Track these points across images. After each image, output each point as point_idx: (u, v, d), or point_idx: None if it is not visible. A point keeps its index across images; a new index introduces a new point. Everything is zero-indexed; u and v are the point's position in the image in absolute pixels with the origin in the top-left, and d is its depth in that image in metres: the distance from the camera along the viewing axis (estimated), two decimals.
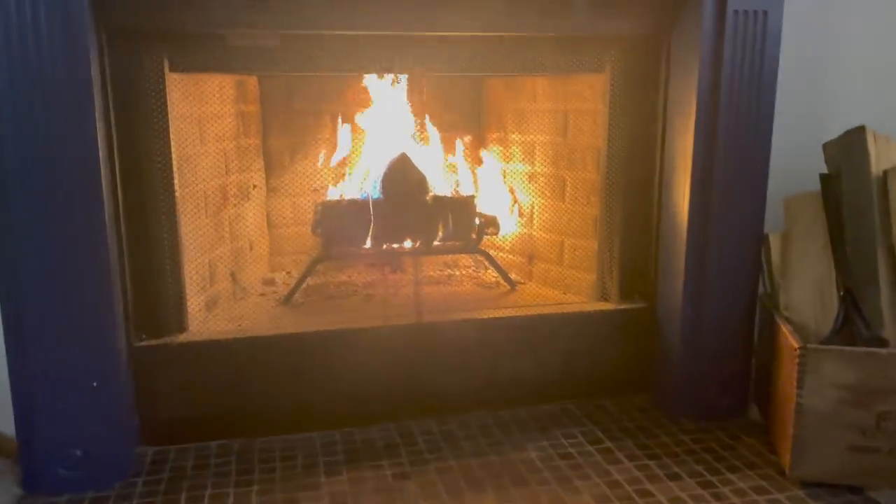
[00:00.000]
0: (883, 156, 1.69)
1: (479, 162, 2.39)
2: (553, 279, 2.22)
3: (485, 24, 1.71)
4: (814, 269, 1.75)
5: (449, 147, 2.29)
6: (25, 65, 1.38)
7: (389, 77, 2.01)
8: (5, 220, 1.43)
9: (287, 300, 2.07)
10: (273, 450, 1.72)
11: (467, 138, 2.34)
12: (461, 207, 2.17)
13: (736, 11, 1.67)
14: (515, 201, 2.34)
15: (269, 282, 2.25)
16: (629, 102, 1.90)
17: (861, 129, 1.68)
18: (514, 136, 2.33)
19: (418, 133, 2.09)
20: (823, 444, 1.54)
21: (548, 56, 1.85)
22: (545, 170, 2.23)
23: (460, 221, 2.15)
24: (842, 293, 1.69)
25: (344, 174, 2.18)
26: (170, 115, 1.64)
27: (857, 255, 1.68)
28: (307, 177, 2.24)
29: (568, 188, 2.15)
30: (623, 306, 1.99)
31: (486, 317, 1.93)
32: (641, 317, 1.97)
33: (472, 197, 2.21)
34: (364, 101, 2.11)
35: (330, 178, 2.18)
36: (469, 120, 2.44)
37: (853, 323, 1.64)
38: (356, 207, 2.09)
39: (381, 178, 2.08)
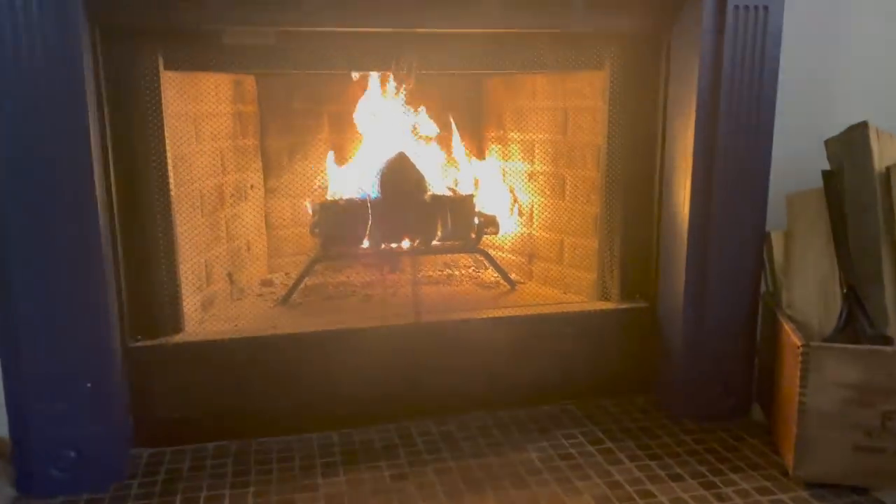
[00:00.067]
0: (886, 152, 1.67)
1: (479, 161, 2.37)
2: (553, 278, 2.20)
3: (484, 21, 1.70)
4: (816, 266, 1.73)
5: (448, 146, 2.27)
6: (18, 63, 1.37)
7: (388, 75, 2.00)
8: None
9: (285, 300, 2.06)
10: (270, 451, 1.70)
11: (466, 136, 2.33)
12: (460, 207, 2.15)
13: (736, 7, 1.65)
14: (515, 200, 2.33)
15: (267, 282, 2.24)
16: (629, 99, 1.88)
17: (863, 125, 1.67)
18: (513, 134, 2.31)
19: (416, 132, 2.08)
20: (827, 445, 1.52)
21: (547, 53, 1.84)
22: (545, 168, 2.21)
23: (459, 221, 2.14)
24: (845, 291, 1.66)
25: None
26: (164, 114, 1.63)
27: (861, 252, 1.66)
28: (306, 178, 2.23)
29: (568, 186, 2.13)
30: (624, 306, 1.97)
31: (485, 317, 1.91)
32: (642, 316, 1.95)
33: (471, 196, 2.19)
34: (362, 99, 2.09)
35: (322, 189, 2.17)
36: (469, 119, 2.42)
37: (857, 321, 1.62)
38: (354, 207, 2.07)
39: (379, 178, 2.07)
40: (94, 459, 1.55)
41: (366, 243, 2.09)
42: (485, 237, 2.21)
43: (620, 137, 1.90)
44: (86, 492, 1.53)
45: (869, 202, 1.65)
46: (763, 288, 1.83)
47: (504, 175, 2.35)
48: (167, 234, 1.68)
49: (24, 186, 1.41)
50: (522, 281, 2.28)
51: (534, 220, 2.28)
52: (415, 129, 2.11)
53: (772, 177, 1.76)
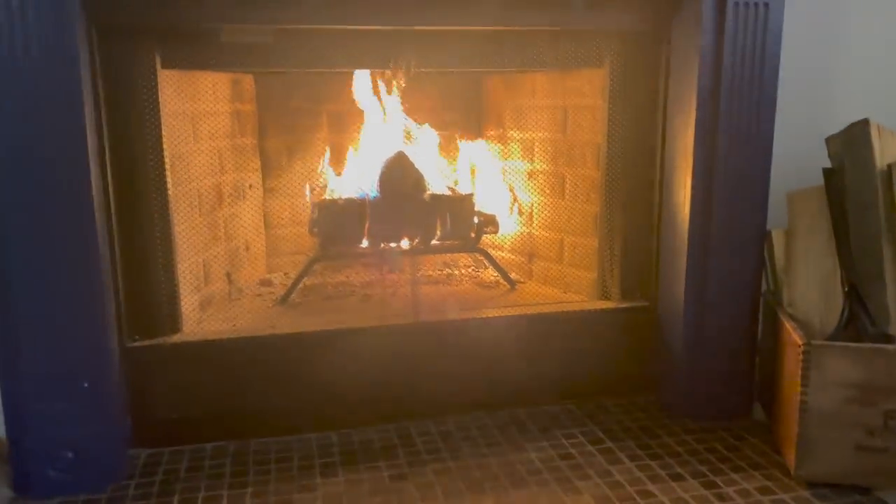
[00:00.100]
0: (887, 149, 1.66)
1: (478, 160, 2.36)
2: (553, 278, 2.20)
3: (483, 19, 1.69)
4: (818, 265, 1.72)
5: (447, 145, 2.26)
6: (14, 62, 1.36)
7: (387, 73, 1.99)
8: None
9: (283, 300, 2.05)
10: (268, 451, 1.70)
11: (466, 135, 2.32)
12: (459, 206, 2.14)
13: (736, 4, 1.64)
14: (515, 199, 2.32)
15: (266, 282, 2.23)
16: (629, 97, 1.87)
17: (865, 123, 1.65)
18: (513, 133, 2.30)
19: (414, 130, 2.08)
20: (829, 444, 1.51)
21: (546, 51, 1.83)
22: (544, 167, 2.20)
23: (459, 220, 2.12)
24: (846, 289, 1.65)
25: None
26: (162, 113, 1.62)
27: (862, 250, 1.65)
28: (305, 177, 2.22)
29: (568, 185, 2.13)
30: (624, 305, 1.96)
31: (485, 316, 1.90)
32: (643, 315, 1.94)
33: (471, 195, 2.18)
34: (360, 98, 2.08)
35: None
36: (468, 117, 2.41)
37: (858, 319, 1.61)
38: (353, 207, 2.07)
39: (378, 177, 2.06)
40: (92, 460, 1.54)
41: (365, 243, 2.08)
42: (484, 236, 2.20)
43: (620, 136, 1.89)
44: (83, 492, 1.53)
45: (870, 200, 1.64)
46: (764, 286, 1.82)
47: (504, 174, 2.34)
48: (165, 233, 1.67)
49: (20, 186, 1.41)
50: (522, 280, 2.27)
51: (533, 220, 2.27)
52: (410, 132, 2.11)
53: (772, 175, 1.75)
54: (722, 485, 1.55)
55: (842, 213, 1.69)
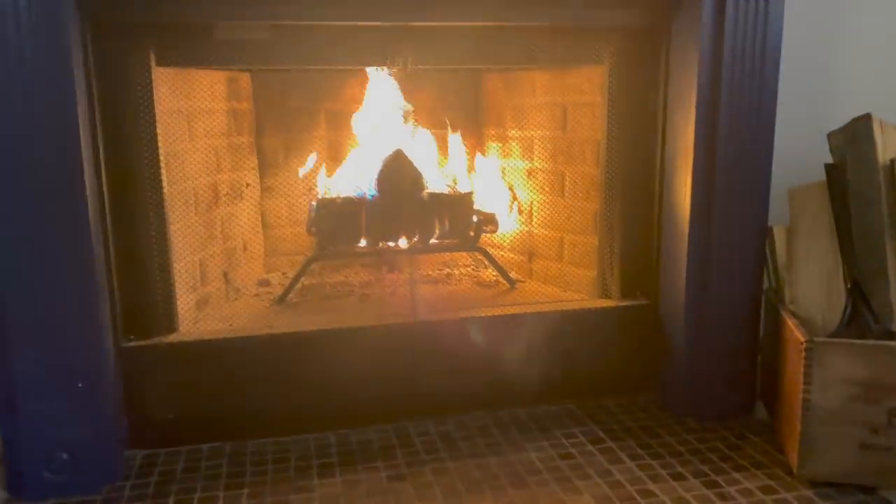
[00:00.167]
0: (890, 144, 1.64)
1: (478, 158, 2.35)
2: (553, 276, 2.18)
3: (482, 15, 1.67)
4: (820, 262, 1.71)
5: (446, 144, 2.25)
6: (5, 60, 1.35)
7: (385, 71, 1.98)
8: None
9: (281, 300, 2.03)
10: (266, 452, 1.68)
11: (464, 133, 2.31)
12: (459, 205, 2.13)
13: None
14: (514, 198, 2.30)
15: (264, 282, 2.22)
16: (628, 94, 1.86)
17: (867, 117, 1.64)
18: (512, 131, 2.29)
19: (413, 129, 2.06)
20: (833, 443, 1.49)
21: (545, 48, 1.81)
22: (544, 165, 2.19)
23: (458, 219, 2.11)
24: (849, 286, 1.64)
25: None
26: (157, 111, 1.61)
27: (865, 246, 1.63)
28: (303, 176, 2.21)
29: (567, 183, 2.11)
30: (624, 303, 1.94)
31: (484, 315, 1.88)
32: (643, 314, 1.92)
33: (470, 194, 2.17)
34: (358, 96, 2.07)
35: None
36: (467, 116, 2.40)
37: (861, 316, 1.59)
38: (351, 206, 2.05)
39: (376, 176, 2.05)
40: (87, 461, 1.52)
41: (363, 242, 2.07)
42: (484, 235, 2.19)
43: (620, 133, 1.88)
44: (78, 494, 1.51)
45: (873, 195, 1.62)
46: (765, 284, 1.80)
47: (503, 172, 2.33)
48: (160, 232, 1.66)
49: (13, 185, 1.39)
50: (522, 279, 2.25)
51: (533, 218, 2.26)
52: (411, 125, 2.09)
53: (774, 171, 1.73)
54: (724, 484, 1.53)
55: (844, 209, 1.67)
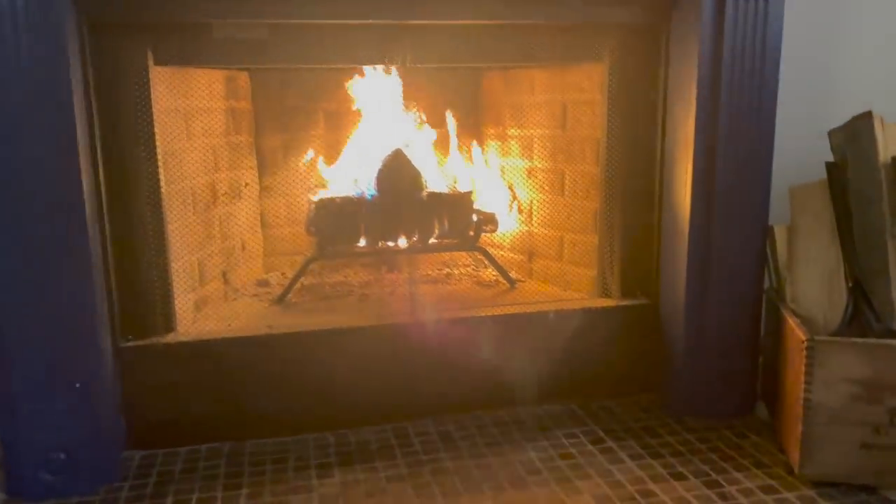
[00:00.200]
0: (891, 142, 1.63)
1: (477, 158, 2.34)
2: (553, 276, 2.17)
3: (480, 13, 1.67)
4: (821, 261, 1.70)
5: (446, 143, 2.24)
6: (2, 59, 1.34)
7: (383, 69, 1.97)
8: None
9: (280, 300, 2.03)
10: (264, 452, 1.67)
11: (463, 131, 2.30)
12: (458, 204, 2.12)
13: None
14: (514, 197, 2.30)
15: (263, 282, 2.21)
16: (628, 92, 1.85)
17: (868, 115, 1.63)
18: (512, 130, 2.28)
19: (413, 127, 2.06)
20: (834, 442, 1.48)
21: (544, 45, 1.81)
22: (544, 164, 2.18)
23: (457, 218, 2.11)
24: (850, 285, 1.63)
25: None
26: (154, 109, 1.60)
27: (866, 245, 1.62)
28: (302, 176, 2.20)
29: (567, 182, 2.10)
30: (624, 302, 1.93)
31: (484, 315, 1.88)
32: (644, 313, 1.92)
33: (470, 193, 2.16)
34: (357, 95, 2.06)
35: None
36: (467, 115, 2.39)
37: (863, 315, 1.58)
38: (351, 205, 2.05)
39: (375, 175, 2.04)
40: (85, 462, 1.51)
41: (362, 242, 2.06)
42: (483, 235, 2.18)
43: (620, 131, 1.87)
44: (76, 495, 1.50)
45: (874, 194, 1.61)
46: (766, 283, 1.79)
47: (503, 172, 2.32)
48: (157, 231, 1.65)
49: (10, 185, 1.38)
50: (522, 279, 2.25)
51: (533, 217, 2.25)
52: (411, 124, 2.08)
53: (774, 169, 1.72)
54: (725, 484, 1.52)
55: (845, 208, 1.66)
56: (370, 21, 1.64)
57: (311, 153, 2.15)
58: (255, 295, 2.11)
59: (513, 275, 2.22)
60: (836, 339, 1.49)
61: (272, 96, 2.21)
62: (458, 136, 2.26)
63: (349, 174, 2.12)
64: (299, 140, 2.23)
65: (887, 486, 1.48)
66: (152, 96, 1.59)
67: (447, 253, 2.36)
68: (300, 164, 2.18)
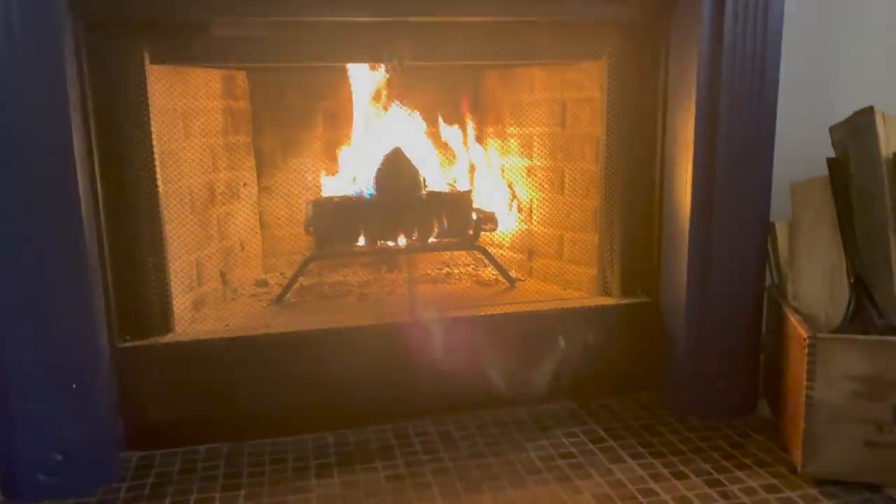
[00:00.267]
0: (893, 137, 1.62)
1: (477, 156, 2.33)
2: (553, 275, 2.16)
3: (479, 10, 1.66)
4: (823, 257, 1.68)
5: (445, 142, 2.23)
6: None
7: (382, 67, 1.96)
8: None
9: (279, 300, 2.02)
10: (263, 453, 1.66)
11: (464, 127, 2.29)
12: (458, 203, 2.11)
13: None
14: (514, 196, 2.29)
15: (262, 282, 2.20)
16: (628, 89, 1.84)
17: (869, 110, 1.62)
18: (511, 129, 2.27)
19: (413, 126, 2.05)
20: (837, 440, 1.47)
21: (544, 43, 1.80)
22: (543, 162, 2.17)
23: (457, 217, 2.10)
24: (852, 281, 1.61)
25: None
26: (151, 109, 1.59)
27: (868, 241, 1.61)
28: (301, 176, 2.19)
29: (567, 180, 2.09)
30: (625, 301, 1.92)
31: (483, 314, 1.87)
32: (644, 312, 1.90)
33: (469, 192, 2.16)
34: (356, 94, 2.06)
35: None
36: (466, 113, 2.38)
37: (865, 311, 1.57)
38: (349, 205, 2.04)
39: (374, 174, 2.03)
40: (82, 462, 1.50)
41: (361, 241, 2.05)
42: (483, 234, 2.17)
43: (619, 128, 1.86)
44: (73, 496, 1.49)
45: (876, 189, 1.60)
46: (768, 280, 1.78)
47: (502, 170, 2.31)
48: (155, 232, 1.64)
49: (6, 185, 1.37)
50: (522, 278, 2.24)
51: (533, 216, 2.24)
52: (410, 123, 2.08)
53: (775, 165, 1.71)
54: (726, 483, 1.51)
55: (847, 204, 1.65)
56: (368, 18, 1.64)
57: (311, 156, 2.15)
58: (253, 295, 2.11)
59: (513, 274, 2.21)
60: (838, 337, 1.47)
61: (271, 96, 2.20)
62: (457, 134, 2.25)
63: (348, 173, 2.11)
64: (298, 140, 2.23)
65: (891, 484, 1.47)
66: (149, 96, 1.58)
67: (447, 252, 2.35)
68: (299, 163, 2.17)
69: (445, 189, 2.16)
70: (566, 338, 1.86)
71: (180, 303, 1.75)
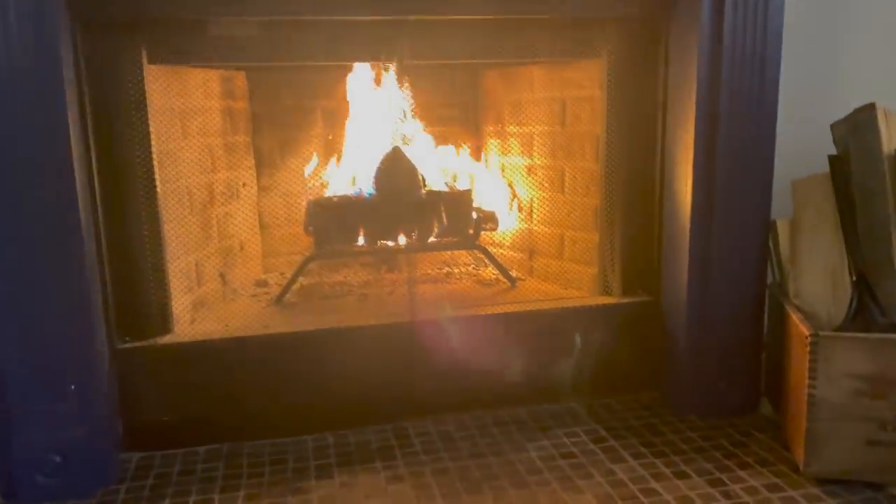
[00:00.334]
0: (895, 134, 1.61)
1: (477, 156, 2.33)
2: (554, 274, 2.15)
3: (479, 8, 1.66)
4: (824, 255, 1.68)
5: (445, 141, 2.23)
6: None
7: (380, 66, 1.95)
8: None
9: (279, 300, 2.01)
10: (263, 454, 1.66)
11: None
12: (457, 202, 2.11)
13: None
14: (514, 195, 2.28)
15: (262, 283, 2.20)
16: (628, 87, 1.83)
17: (871, 107, 1.61)
18: (511, 128, 2.27)
19: (412, 125, 2.04)
20: (839, 438, 1.46)
21: (543, 41, 1.80)
22: (544, 161, 2.16)
23: (457, 217, 2.09)
24: (854, 279, 1.61)
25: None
26: (149, 109, 1.59)
27: (870, 238, 1.60)
28: (300, 176, 2.18)
29: (567, 179, 2.09)
30: (626, 300, 1.91)
31: (483, 314, 1.86)
32: (645, 311, 1.89)
33: (469, 191, 2.15)
34: (355, 94, 2.05)
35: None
36: (466, 113, 2.38)
37: (867, 309, 1.56)
38: (349, 204, 2.03)
39: (373, 174, 2.02)
40: (81, 464, 1.50)
41: (361, 241, 2.05)
42: (484, 233, 2.17)
43: (619, 127, 1.85)
44: (72, 497, 1.49)
45: (877, 186, 1.59)
46: (769, 278, 1.77)
47: (503, 169, 2.30)
48: (154, 232, 1.64)
49: (2, 185, 1.37)
50: (522, 277, 2.23)
51: (533, 215, 2.23)
52: (410, 122, 2.07)
53: (776, 163, 1.70)
54: (728, 482, 1.50)
55: (848, 201, 1.64)
56: (367, 17, 1.63)
57: (310, 156, 2.14)
58: (253, 295, 2.10)
59: (513, 273, 2.20)
60: (841, 335, 1.47)
61: (269, 96, 2.20)
62: (457, 133, 2.24)
63: (347, 173, 2.10)
64: (297, 139, 2.23)
65: (894, 482, 1.46)
66: (147, 95, 1.58)
67: (447, 252, 2.34)
68: (298, 163, 2.17)
69: (445, 188, 2.15)
70: (566, 337, 1.85)
71: (179, 303, 1.74)
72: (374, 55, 1.76)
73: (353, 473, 1.57)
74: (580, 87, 2.00)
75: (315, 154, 2.16)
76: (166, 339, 1.67)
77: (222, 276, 2.03)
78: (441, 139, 2.22)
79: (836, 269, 1.66)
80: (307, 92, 2.21)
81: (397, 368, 1.77)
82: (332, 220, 2.02)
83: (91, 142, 1.53)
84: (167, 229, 1.68)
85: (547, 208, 2.17)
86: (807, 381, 1.45)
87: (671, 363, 1.84)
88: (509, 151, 2.28)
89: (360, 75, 2.00)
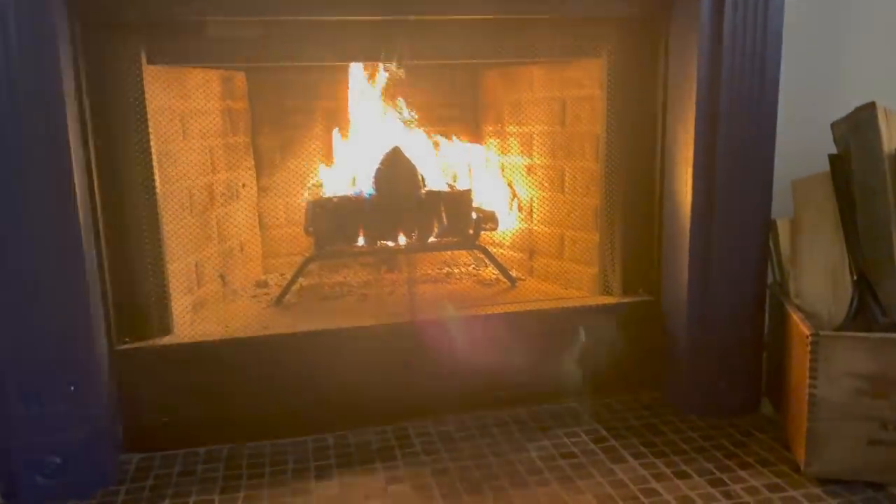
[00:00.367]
0: (895, 133, 1.61)
1: (477, 155, 2.32)
2: (554, 274, 2.15)
3: (478, 7, 1.66)
4: (825, 254, 1.67)
5: (445, 141, 2.23)
6: None
7: (380, 66, 1.95)
8: None
9: (279, 301, 2.01)
10: (263, 455, 1.66)
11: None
12: (457, 202, 2.10)
13: None
14: (514, 195, 2.28)
15: (262, 283, 2.20)
16: (628, 86, 1.83)
17: (871, 106, 1.60)
18: (511, 128, 2.27)
19: (411, 126, 2.04)
20: (840, 438, 1.45)
21: (543, 41, 1.79)
22: (544, 161, 2.16)
23: (457, 217, 2.09)
24: (855, 278, 1.60)
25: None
26: (148, 109, 1.59)
27: (871, 237, 1.60)
28: (300, 176, 2.18)
29: (567, 179, 2.08)
30: (626, 300, 1.91)
31: (484, 314, 1.86)
32: (646, 310, 1.89)
33: (469, 191, 2.15)
34: (355, 94, 2.05)
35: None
36: (466, 113, 2.38)
37: (868, 309, 1.56)
38: (349, 204, 2.03)
39: (373, 174, 2.02)
40: (81, 465, 1.50)
41: (361, 241, 2.05)
42: (484, 233, 2.16)
43: (619, 126, 1.85)
44: (72, 498, 1.49)
45: (878, 185, 1.59)
46: (770, 278, 1.77)
47: (503, 169, 2.30)
48: (153, 233, 1.64)
49: (1, 187, 1.37)
50: (523, 277, 2.23)
51: (533, 215, 2.23)
52: (409, 122, 2.07)
53: (777, 162, 1.70)
54: (729, 482, 1.50)
55: (849, 200, 1.64)
56: (367, 17, 1.63)
57: (310, 157, 2.14)
58: (253, 296, 2.10)
59: (513, 273, 2.20)
60: (841, 334, 1.46)
61: (269, 96, 2.20)
62: (457, 133, 2.24)
63: (347, 173, 2.10)
64: (297, 140, 2.22)
65: (895, 482, 1.45)
66: (146, 96, 1.58)
67: (447, 252, 2.34)
68: (298, 164, 2.17)
69: (445, 188, 2.15)
70: (566, 337, 1.85)
71: (179, 304, 1.74)
72: (374, 55, 1.75)
73: (353, 474, 1.56)
74: (580, 87, 2.00)
75: (315, 154, 2.16)
76: (166, 340, 1.67)
77: (222, 276, 2.03)
78: (441, 139, 2.21)
79: (837, 268, 1.65)
80: (307, 92, 2.20)
81: (397, 369, 1.77)
82: (332, 220, 2.01)
83: (90, 142, 1.53)
84: (167, 230, 1.68)
85: (547, 208, 2.16)
86: (807, 381, 1.45)
87: (672, 363, 1.84)
88: (509, 151, 2.28)
89: (359, 76, 2.00)
